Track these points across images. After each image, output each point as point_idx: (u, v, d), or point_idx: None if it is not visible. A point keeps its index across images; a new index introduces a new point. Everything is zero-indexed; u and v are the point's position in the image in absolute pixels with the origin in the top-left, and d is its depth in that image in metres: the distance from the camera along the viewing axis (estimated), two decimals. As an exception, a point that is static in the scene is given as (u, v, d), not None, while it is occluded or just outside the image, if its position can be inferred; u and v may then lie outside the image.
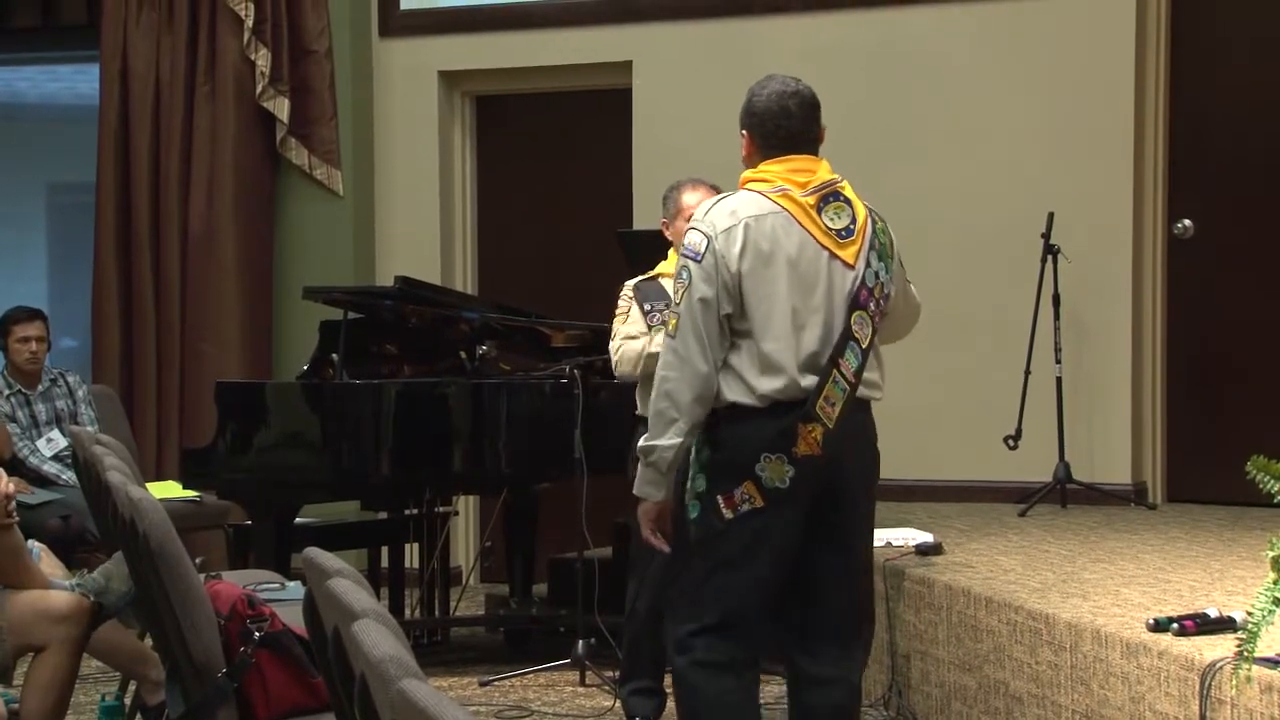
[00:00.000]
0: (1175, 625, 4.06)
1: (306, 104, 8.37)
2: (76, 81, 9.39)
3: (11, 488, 4.45)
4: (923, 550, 5.70)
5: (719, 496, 4.02)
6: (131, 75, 8.47)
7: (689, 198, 5.34)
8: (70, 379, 7.54)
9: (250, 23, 8.27)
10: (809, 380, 4.00)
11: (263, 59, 8.29)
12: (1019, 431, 6.95)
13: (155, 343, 8.43)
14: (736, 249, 3.99)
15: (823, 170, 4.17)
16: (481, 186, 8.64)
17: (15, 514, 4.43)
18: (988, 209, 7.52)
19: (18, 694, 4.47)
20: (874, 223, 4.19)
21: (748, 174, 4.18)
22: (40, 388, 7.41)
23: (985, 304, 7.49)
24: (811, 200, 4.09)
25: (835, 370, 4.02)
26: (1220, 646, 3.85)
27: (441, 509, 7.12)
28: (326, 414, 6.31)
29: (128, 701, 5.31)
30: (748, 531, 4.02)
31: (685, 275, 4.01)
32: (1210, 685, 3.74)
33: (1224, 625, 4.03)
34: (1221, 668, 3.72)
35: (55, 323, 7.73)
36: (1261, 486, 3.42)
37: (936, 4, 7.65)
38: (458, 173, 8.61)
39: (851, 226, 4.11)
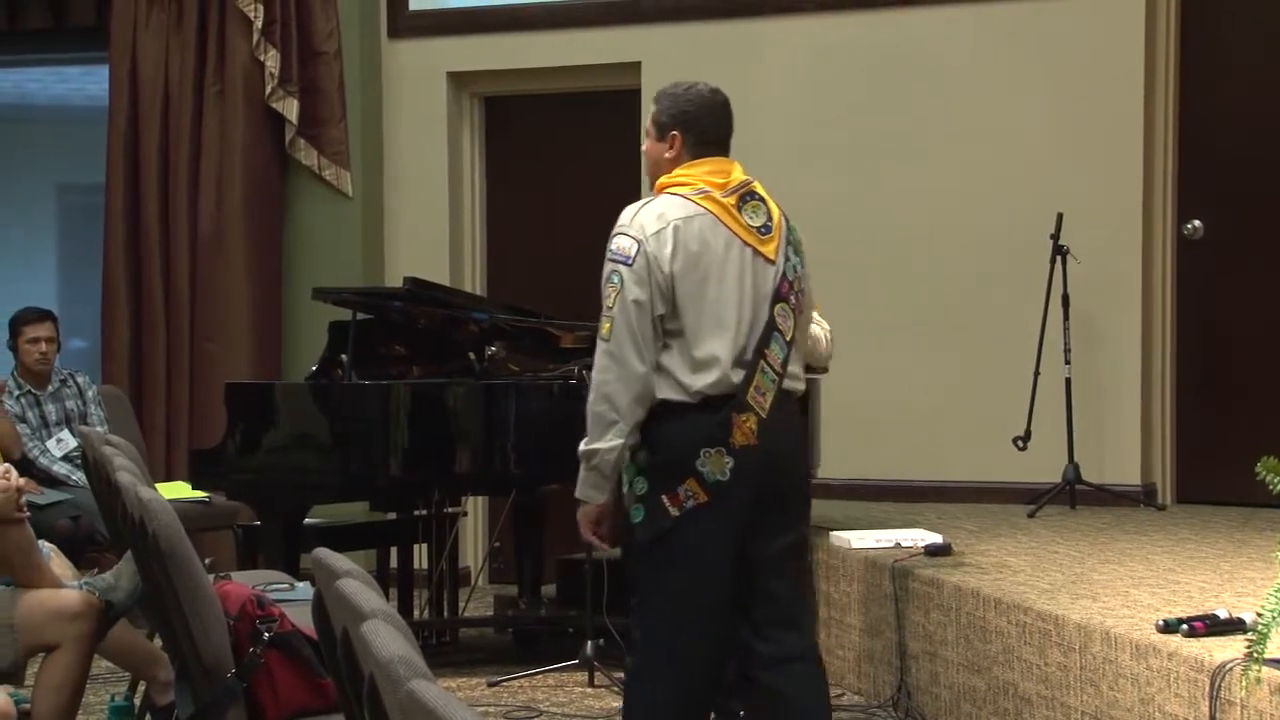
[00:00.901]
0: (1185, 626, 4.06)
1: (315, 105, 8.38)
2: (86, 83, 9.40)
3: (22, 483, 4.46)
4: (932, 551, 5.70)
5: (663, 496, 4.08)
6: (140, 77, 8.48)
7: None
8: (80, 380, 7.55)
9: (259, 24, 8.28)
10: (739, 375, 4.09)
11: (272, 60, 8.30)
12: (1028, 432, 6.94)
13: (165, 343, 8.43)
14: (668, 251, 4.07)
15: (737, 170, 4.29)
16: (490, 187, 8.65)
17: (26, 509, 4.44)
18: (996, 210, 7.52)
19: (28, 694, 4.47)
20: (786, 219, 4.35)
21: (664, 179, 4.21)
22: (50, 388, 7.42)
23: (994, 305, 7.49)
24: (732, 200, 4.20)
25: (762, 361, 4.11)
26: (1230, 648, 3.84)
27: (450, 510, 7.13)
28: (335, 415, 6.32)
29: (137, 702, 5.32)
30: (695, 530, 4.08)
31: (616, 279, 4.06)
32: (1220, 687, 3.73)
33: (1234, 626, 4.03)
34: (1231, 669, 3.72)
35: (65, 323, 7.74)
36: (1271, 487, 3.42)
37: (944, 4, 7.65)
38: (467, 174, 8.61)
39: (769, 223, 4.25)
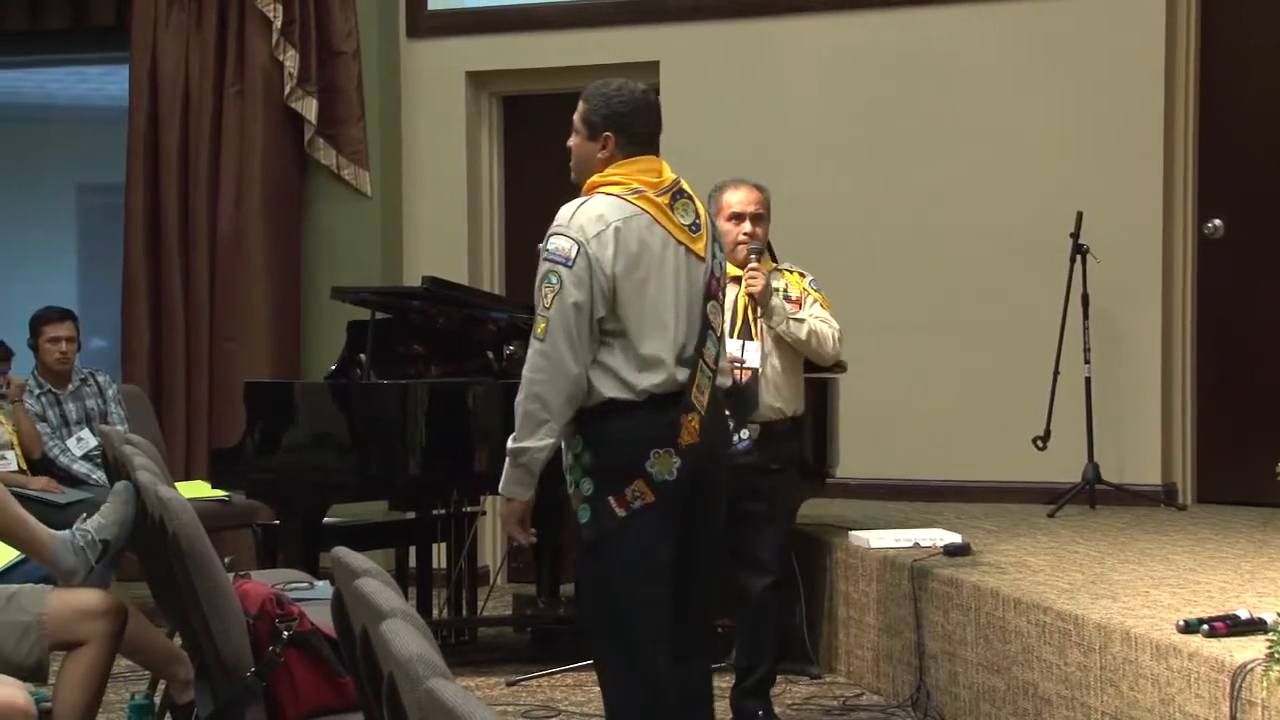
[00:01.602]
0: (1205, 627, 4.05)
1: (334, 104, 8.39)
2: (106, 83, 9.42)
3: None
4: (951, 551, 5.69)
5: (610, 497, 4.12)
6: (160, 76, 8.50)
7: (731, 196, 5.38)
8: (100, 379, 7.58)
9: (278, 24, 8.29)
10: (684, 373, 4.14)
11: (291, 60, 8.31)
12: (1048, 432, 6.93)
13: (184, 343, 8.45)
14: (610, 253, 4.09)
15: (666, 169, 4.29)
16: (509, 187, 8.65)
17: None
18: (1016, 209, 7.51)
19: (49, 693, 4.48)
20: (711, 217, 4.40)
21: (597, 179, 4.22)
22: (70, 387, 7.44)
23: (1014, 304, 7.47)
24: (665, 199, 4.22)
25: (701, 360, 4.17)
26: (1251, 648, 3.83)
27: (469, 509, 7.13)
28: (354, 414, 6.32)
29: (157, 700, 5.32)
30: (644, 530, 4.12)
31: (555, 280, 4.07)
32: (1241, 687, 3.72)
33: (1255, 627, 4.02)
34: (1252, 669, 3.71)
35: (85, 323, 7.76)
36: (1292, 487, 3.40)
37: (963, 3, 7.64)
38: (485, 173, 8.62)
39: (698, 221, 4.27)
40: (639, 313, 4.12)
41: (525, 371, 4.11)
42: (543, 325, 4.07)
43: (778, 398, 5.40)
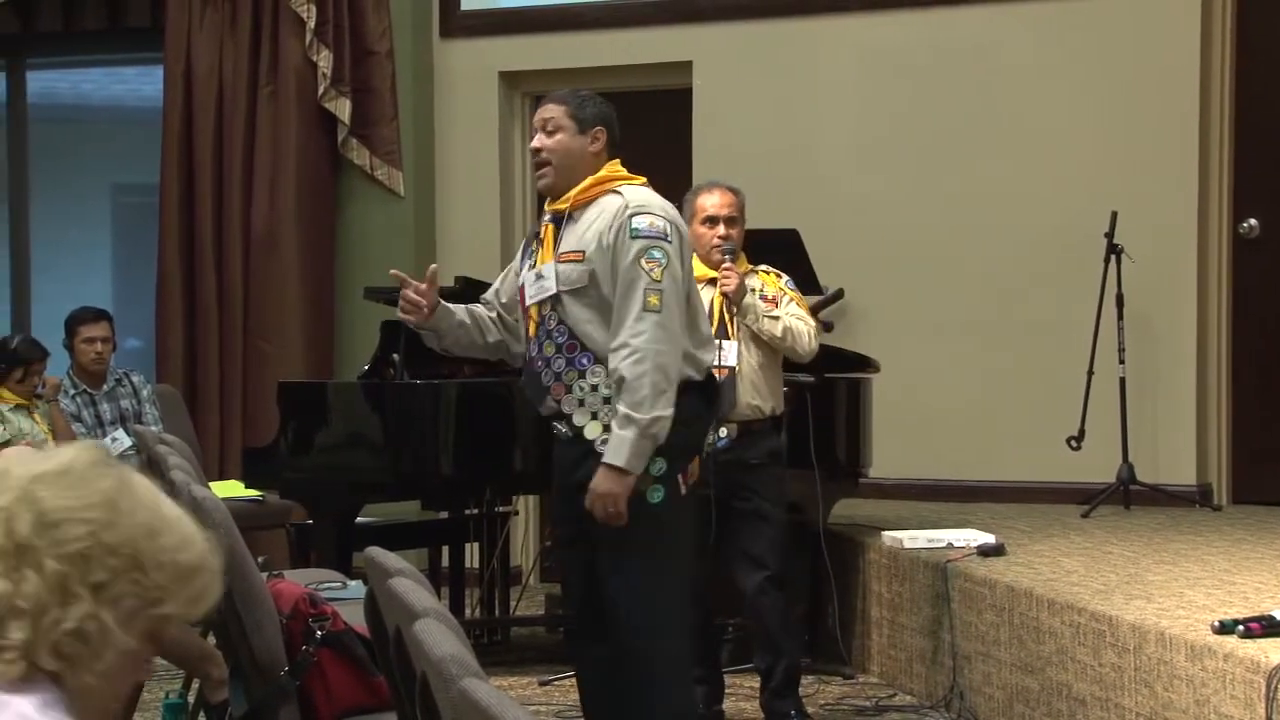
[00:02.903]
0: (1241, 628, 4.03)
1: (368, 105, 8.41)
2: (141, 83, 9.45)
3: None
4: (985, 551, 5.68)
5: (679, 475, 4.21)
6: (195, 77, 8.53)
7: (705, 200, 5.51)
8: (135, 379, 7.61)
9: (312, 24, 8.31)
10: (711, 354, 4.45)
11: (324, 60, 8.33)
12: (1082, 432, 6.90)
13: (218, 343, 8.48)
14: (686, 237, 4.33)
15: None
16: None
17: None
18: (1050, 208, 7.48)
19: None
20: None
21: (611, 173, 4.33)
22: (105, 388, 7.47)
23: (1048, 304, 7.45)
24: None
25: None
26: (1287, 649, 3.81)
27: (501, 509, 7.14)
28: (387, 414, 6.33)
29: (191, 699, 5.34)
30: (693, 502, 4.31)
31: (660, 255, 4.16)
32: (1277, 688, 3.71)
33: (1290, 628, 4.00)
34: (1288, 671, 3.69)
35: (119, 323, 7.79)
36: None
37: (997, 2, 7.61)
38: (518, 173, 8.62)
39: None
40: (692, 292, 4.31)
41: (642, 342, 4.10)
42: (656, 298, 4.12)
43: (755, 395, 5.42)
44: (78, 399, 7.41)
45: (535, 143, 4.35)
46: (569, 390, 4.22)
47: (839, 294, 7.64)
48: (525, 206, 8.63)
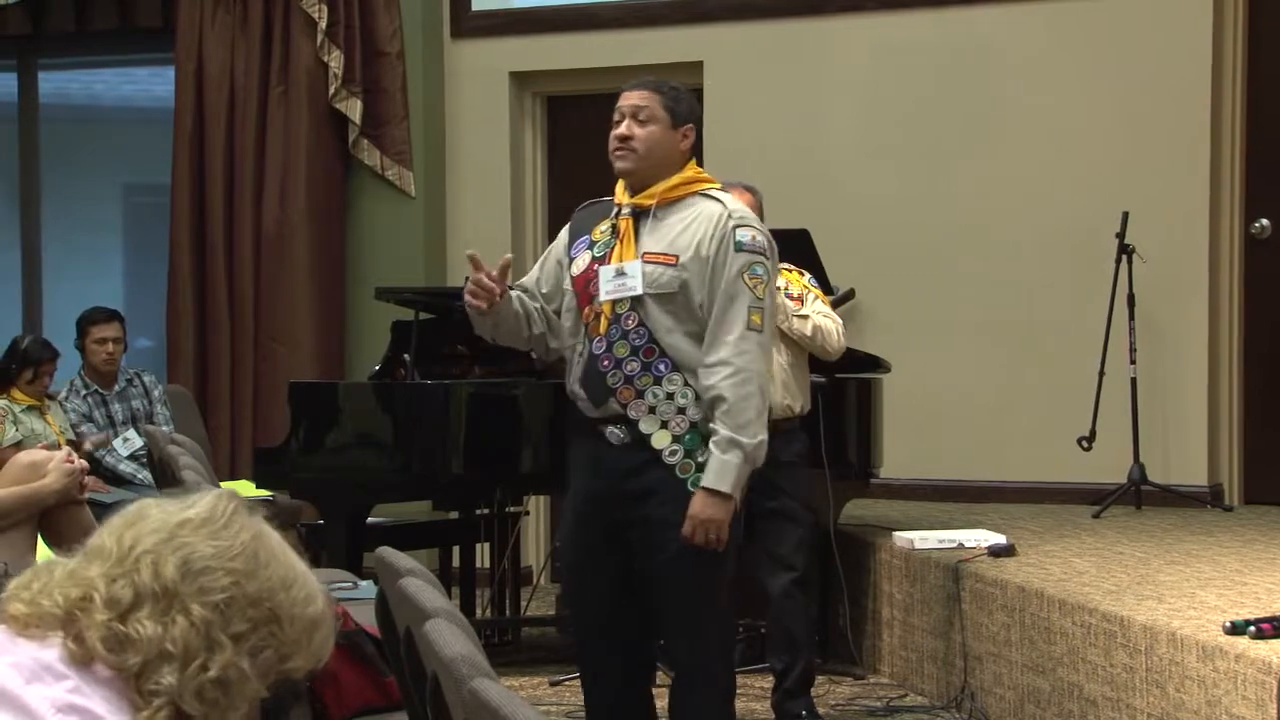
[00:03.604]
0: (1252, 628, 4.02)
1: (379, 105, 8.41)
2: (152, 84, 9.46)
3: (84, 464, 4.50)
4: (995, 552, 5.67)
5: (738, 496, 4.08)
6: (206, 77, 8.54)
7: None
8: (146, 379, 7.62)
9: (323, 25, 8.32)
10: None
11: (335, 60, 8.33)
12: (1093, 433, 6.89)
13: (229, 343, 8.49)
14: None
15: None
16: (552, 187, 8.66)
17: (86, 489, 4.48)
18: (1061, 208, 7.47)
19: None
20: None
21: (694, 173, 4.15)
22: (116, 388, 7.49)
23: (1059, 304, 7.44)
24: None
25: None
26: (1298, 650, 3.81)
27: (512, 509, 7.14)
28: (398, 414, 6.34)
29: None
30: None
31: (763, 271, 4.04)
32: (1288, 689, 3.70)
33: (1302, 629, 3.99)
34: (1300, 672, 3.68)
35: (131, 323, 7.80)
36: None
37: (1009, 2, 7.60)
38: (529, 173, 8.63)
39: None
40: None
41: (746, 362, 3.97)
42: (759, 316, 4.01)
43: (786, 394, 5.42)
44: (89, 399, 7.42)
45: (623, 129, 4.13)
46: (640, 395, 4.01)
47: (850, 294, 7.64)
48: (536, 206, 8.63)
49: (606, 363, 4.03)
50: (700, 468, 3.98)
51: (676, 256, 4.03)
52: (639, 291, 4.01)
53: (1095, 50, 7.47)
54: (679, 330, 4.02)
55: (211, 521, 1.88)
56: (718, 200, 4.09)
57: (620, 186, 4.18)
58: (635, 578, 4.11)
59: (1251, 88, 7.39)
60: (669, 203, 4.09)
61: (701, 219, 4.05)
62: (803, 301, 5.47)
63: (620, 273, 4.04)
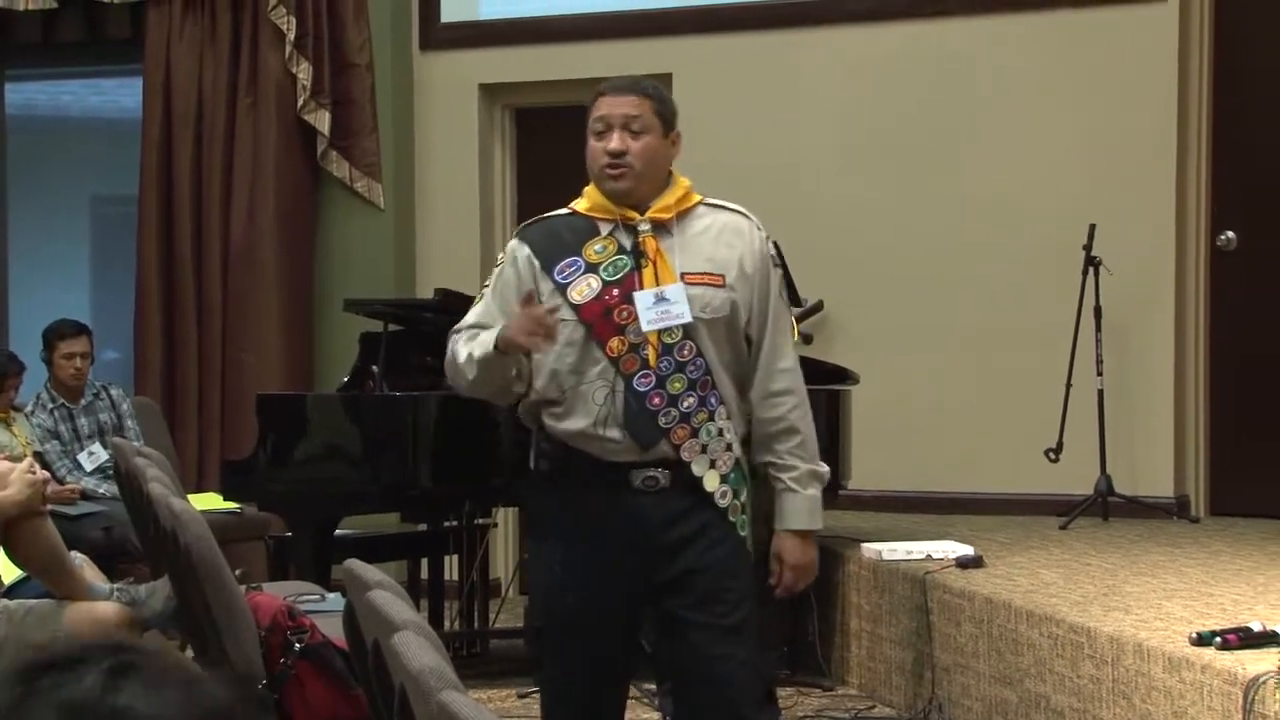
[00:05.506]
0: (1218, 639, 4.04)
1: (348, 117, 8.41)
2: (120, 95, 9.44)
3: (46, 475, 4.49)
4: (963, 563, 5.69)
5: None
6: (174, 89, 8.52)
7: None
8: (114, 392, 7.59)
9: (292, 36, 8.30)
10: None
11: (304, 72, 8.32)
12: (1060, 444, 6.92)
13: (197, 355, 8.46)
14: None
15: None
16: (521, 199, 8.66)
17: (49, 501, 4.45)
18: (1029, 221, 7.50)
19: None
20: None
21: (688, 183, 3.79)
22: (83, 401, 7.46)
23: (1026, 316, 7.46)
24: None
25: None
26: (1264, 660, 3.83)
27: (481, 521, 7.13)
28: (367, 426, 6.33)
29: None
30: None
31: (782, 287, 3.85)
32: (1253, 700, 3.72)
33: (1267, 639, 4.01)
34: (1265, 682, 3.70)
35: (97, 335, 7.77)
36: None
37: (977, 16, 7.63)
38: (498, 185, 8.63)
39: None
40: None
41: (803, 390, 3.73)
42: (796, 334, 3.86)
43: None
44: (55, 413, 7.39)
45: (617, 144, 3.71)
46: (695, 434, 3.59)
47: (819, 306, 7.65)
48: (505, 218, 8.63)
49: (658, 400, 3.57)
50: (745, 509, 3.67)
51: (723, 276, 3.66)
52: (688, 318, 3.58)
53: (1064, 64, 7.50)
54: (728, 358, 3.67)
55: None
56: (730, 210, 3.77)
57: (591, 199, 3.82)
58: (664, 621, 3.73)
59: (1217, 100, 7.43)
60: (682, 216, 3.72)
61: (728, 232, 3.71)
62: None
63: (661, 298, 3.58)
